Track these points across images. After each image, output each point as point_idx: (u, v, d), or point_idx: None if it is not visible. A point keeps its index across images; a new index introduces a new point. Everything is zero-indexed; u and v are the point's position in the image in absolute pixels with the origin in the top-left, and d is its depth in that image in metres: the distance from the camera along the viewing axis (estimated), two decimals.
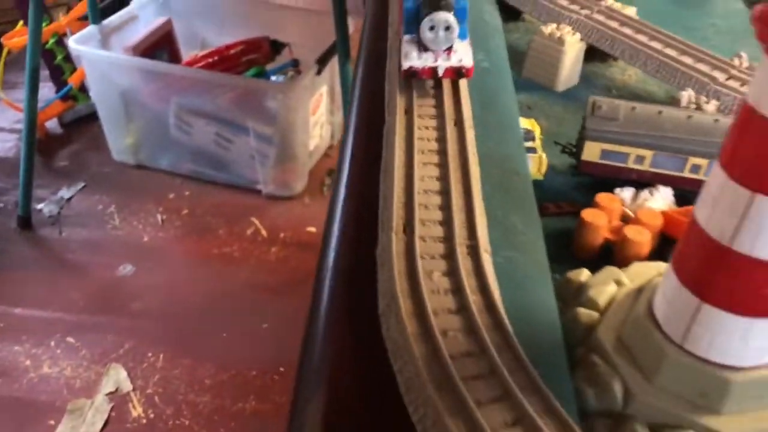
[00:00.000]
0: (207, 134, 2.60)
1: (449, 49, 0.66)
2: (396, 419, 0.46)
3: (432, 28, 0.64)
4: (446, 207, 0.63)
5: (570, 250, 0.72)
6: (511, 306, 0.57)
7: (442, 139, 0.72)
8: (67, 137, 2.98)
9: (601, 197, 0.74)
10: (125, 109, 2.62)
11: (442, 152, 0.70)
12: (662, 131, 0.74)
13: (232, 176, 2.70)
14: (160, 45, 2.77)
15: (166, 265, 2.48)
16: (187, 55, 2.88)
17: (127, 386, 2.12)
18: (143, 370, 2.17)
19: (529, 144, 0.81)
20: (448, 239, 0.59)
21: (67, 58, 2.82)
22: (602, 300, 0.60)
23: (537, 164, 0.81)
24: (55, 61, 2.82)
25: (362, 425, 0.48)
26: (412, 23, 0.66)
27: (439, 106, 0.77)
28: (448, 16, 0.64)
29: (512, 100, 0.85)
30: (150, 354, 2.22)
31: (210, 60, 2.69)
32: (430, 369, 0.48)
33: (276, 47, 2.71)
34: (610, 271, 0.63)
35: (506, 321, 0.52)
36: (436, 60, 0.66)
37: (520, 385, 0.46)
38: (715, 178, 0.48)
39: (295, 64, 2.75)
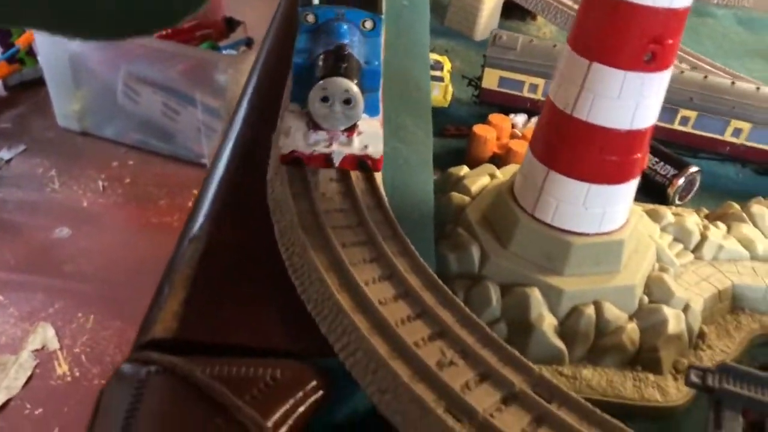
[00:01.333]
0: (154, 103, 2.60)
1: (351, 129, 0.49)
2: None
3: (325, 99, 0.47)
4: None
5: (463, 162, 0.77)
6: (391, 185, 0.62)
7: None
8: (11, 100, 2.94)
9: (494, 116, 0.80)
10: (73, 75, 2.60)
11: None
12: (555, 62, 0.80)
13: (178, 148, 2.70)
14: None
15: (104, 231, 2.46)
16: None
17: (54, 344, 2.10)
18: (72, 329, 2.15)
19: (437, 73, 0.87)
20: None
21: None
22: (475, 188, 0.65)
23: (443, 92, 0.87)
24: None
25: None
26: (302, 87, 0.49)
27: None
28: (349, 85, 0.46)
29: (425, 32, 0.91)
30: (80, 315, 2.20)
31: (164, 32, 2.70)
32: (303, 218, 0.53)
33: (231, 25, 2.74)
34: (487, 167, 0.69)
35: (381, 189, 0.57)
36: (330, 143, 0.49)
37: (388, 245, 0.51)
38: (563, 57, 0.54)
39: (248, 42, 2.77)
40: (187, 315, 0.48)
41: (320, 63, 0.48)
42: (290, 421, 0.43)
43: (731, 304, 0.63)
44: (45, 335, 2.14)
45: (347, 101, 0.47)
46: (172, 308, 0.48)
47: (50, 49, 2.60)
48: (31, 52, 2.88)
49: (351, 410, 0.51)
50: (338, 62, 0.48)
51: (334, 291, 0.47)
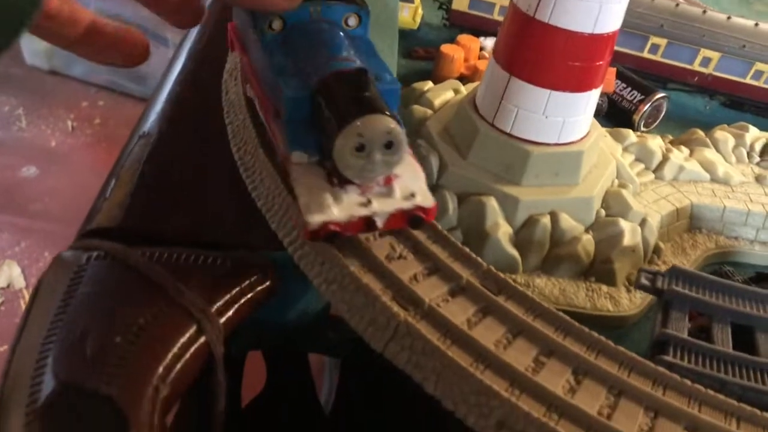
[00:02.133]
0: None
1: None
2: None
3: (360, 148, 0.36)
4: None
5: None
6: None
7: None
8: None
9: (462, 37, 0.78)
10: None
11: None
12: None
13: (149, 90, 2.64)
14: None
15: (72, 171, 2.42)
16: None
17: (20, 283, 2.07)
18: (38, 268, 2.12)
19: None
20: None
21: None
22: (438, 101, 0.64)
23: (412, 13, 0.85)
24: None
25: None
26: (302, 129, 0.39)
27: None
28: (391, 125, 0.35)
29: None
30: (47, 254, 2.17)
31: None
32: (256, 118, 0.51)
33: None
34: (452, 82, 0.68)
35: None
36: (367, 200, 0.38)
37: None
38: None
39: None
40: (132, 205, 0.47)
41: (330, 96, 0.37)
42: (234, 308, 0.42)
43: (689, 223, 0.63)
44: (11, 273, 2.12)
45: (388, 144, 0.36)
46: (117, 198, 0.47)
47: None
48: None
49: (301, 312, 0.50)
50: (360, 92, 0.36)
51: (285, 187, 0.46)
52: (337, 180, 0.38)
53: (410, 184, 0.39)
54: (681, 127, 0.78)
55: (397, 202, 0.39)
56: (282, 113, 0.39)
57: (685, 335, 0.44)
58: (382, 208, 0.38)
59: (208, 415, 0.40)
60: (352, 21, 0.43)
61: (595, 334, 0.41)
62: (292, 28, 0.41)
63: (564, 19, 0.50)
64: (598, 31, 0.51)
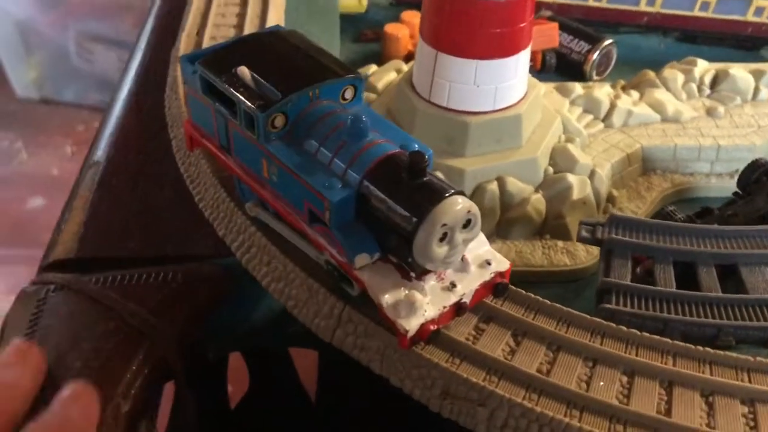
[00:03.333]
0: (110, 60, 2.55)
1: None
2: None
3: (444, 237, 0.34)
4: (242, 15, 0.67)
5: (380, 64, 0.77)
6: None
7: None
8: None
9: (407, 14, 0.79)
10: (24, 42, 2.55)
11: None
12: None
13: None
14: None
15: None
16: None
17: None
18: None
19: None
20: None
21: None
22: (381, 84, 0.65)
23: None
24: None
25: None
26: (357, 230, 0.37)
27: None
28: (466, 203, 0.34)
29: None
30: None
31: None
32: None
33: None
34: (394, 63, 0.69)
35: None
36: (447, 282, 0.38)
37: None
38: None
39: None
40: (85, 234, 0.49)
41: (385, 188, 0.35)
42: (189, 319, 0.44)
43: (642, 166, 0.63)
44: None
45: (467, 224, 0.35)
46: (71, 229, 0.49)
47: None
48: None
49: (266, 310, 0.52)
50: (420, 176, 0.35)
51: (228, 194, 0.48)
52: (415, 273, 0.37)
53: (479, 250, 0.39)
54: (637, 69, 0.78)
55: (477, 276, 0.38)
56: (327, 219, 0.37)
57: (627, 281, 0.46)
58: (467, 287, 0.38)
59: (180, 423, 0.43)
60: (349, 94, 0.41)
61: (532, 296, 0.42)
62: (295, 119, 0.39)
63: None
64: None
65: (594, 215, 0.58)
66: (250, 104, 0.39)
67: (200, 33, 0.64)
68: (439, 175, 0.38)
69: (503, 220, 0.57)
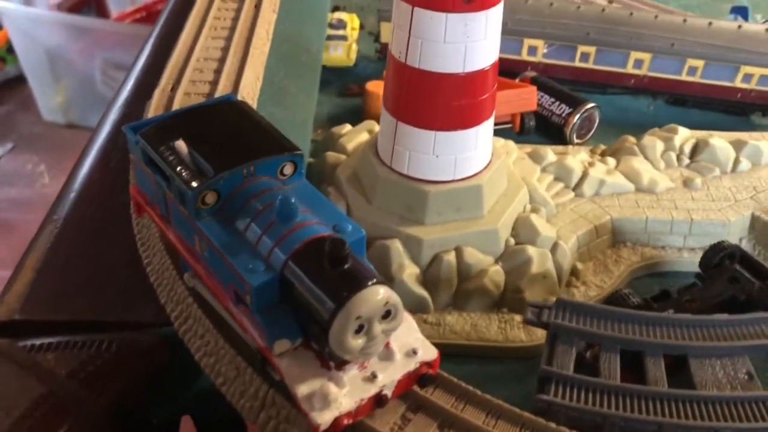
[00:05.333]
0: None
1: None
2: None
3: (361, 328, 0.33)
4: (219, 71, 0.68)
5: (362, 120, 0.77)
6: None
7: (236, 19, 0.77)
8: None
9: None
10: (52, 69, 2.61)
11: (233, 29, 0.75)
12: None
13: None
14: (87, 2, 2.77)
15: None
16: (116, 12, 2.87)
17: None
18: None
19: (340, 32, 0.86)
20: (211, 94, 0.64)
21: None
22: (351, 145, 0.65)
23: (346, 51, 0.86)
24: None
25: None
26: (280, 315, 0.36)
27: None
28: (386, 294, 0.33)
29: None
30: None
31: (138, 16, 2.69)
32: None
33: None
34: (367, 123, 0.69)
35: None
36: (369, 372, 0.36)
37: None
38: (393, 4, 0.53)
39: None
40: (30, 296, 0.49)
41: (307, 273, 0.35)
42: (121, 391, 0.44)
43: (611, 238, 0.62)
44: None
45: (386, 314, 0.34)
46: (17, 290, 0.49)
47: (26, 45, 2.60)
48: (11, 50, 2.89)
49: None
50: (341, 263, 0.34)
51: (171, 262, 0.48)
52: (334, 363, 0.36)
53: (407, 338, 0.37)
54: (623, 132, 0.76)
55: (401, 366, 0.37)
56: (248, 301, 0.36)
57: (569, 370, 0.44)
58: (389, 378, 0.36)
59: None
60: (288, 170, 0.41)
61: (463, 384, 0.41)
62: (228, 196, 0.39)
63: (432, 63, 0.51)
64: (470, 69, 0.51)
65: (555, 290, 0.57)
66: (181, 181, 0.39)
67: (175, 88, 0.65)
68: (365, 262, 0.37)
69: (460, 291, 0.56)
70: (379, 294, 0.33)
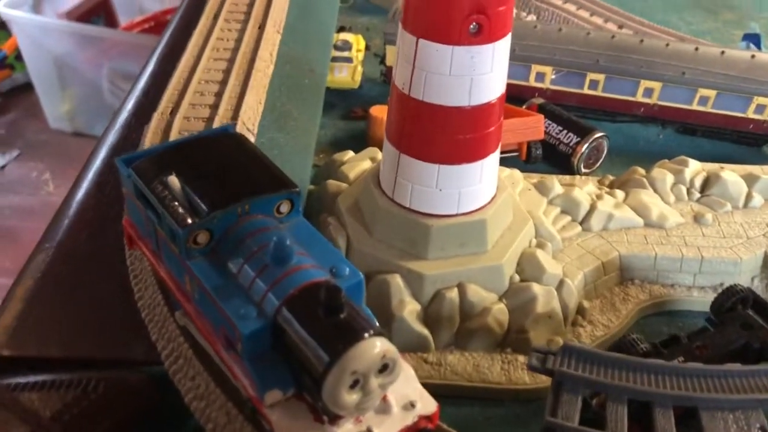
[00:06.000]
0: None
1: None
2: None
3: (356, 383, 0.32)
4: (220, 94, 0.66)
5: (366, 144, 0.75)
6: None
7: (239, 40, 0.76)
8: (4, 106, 2.96)
9: None
10: (59, 77, 2.61)
11: (236, 50, 0.73)
12: None
13: None
14: (96, 11, 2.77)
15: None
16: (124, 22, 2.88)
17: None
18: None
19: (345, 54, 0.85)
20: (211, 119, 0.63)
21: (2, 25, 2.81)
22: (353, 174, 0.64)
23: (351, 73, 0.85)
24: None
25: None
26: (271, 364, 0.35)
27: (249, 12, 0.81)
28: (384, 347, 0.32)
29: (332, 12, 0.89)
30: None
31: (146, 26, 2.69)
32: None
33: None
34: (370, 150, 0.67)
35: None
36: (366, 429, 0.35)
37: None
38: (398, 34, 0.51)
39: None
40: (17, 330, 0.47)
41: (301, 322, 0.33)
42: None
43: (619, 275, 0.60)
44: None
45: (383, 368, 0.32)
46: (4, 323, 0.48)
47: (34, 53, 2.61)
48: (20, 57, 2.89)
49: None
50: (336, 313, 0.32)
51: (163, 297, 0.46)
52: (328, 417, 0.34)
53: (405, 389, 0.35)
54: (631, 162, 0.75)
55: (399, 420, 0.35)
56: (239, 349, 0.34)
57: (574, 422, 0.43)
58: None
59: None
60: (284, 208, 0.39)
61: None
62: (221, 236, 0.37)
63: (437, 96, 0.49)
64: (476, 102, 0.50)
65: (561, 330, 0.55)
66: (172, 219, 0.37)
67: (174, 112, 0.64)
68: (362, 310, 0.35)
69: (462, 330, 0.54)
70: (376, 347, 0.32)
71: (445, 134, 0.51)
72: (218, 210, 0.38)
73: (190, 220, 0.37)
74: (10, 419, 0.41)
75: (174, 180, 0.39)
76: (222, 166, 0.41)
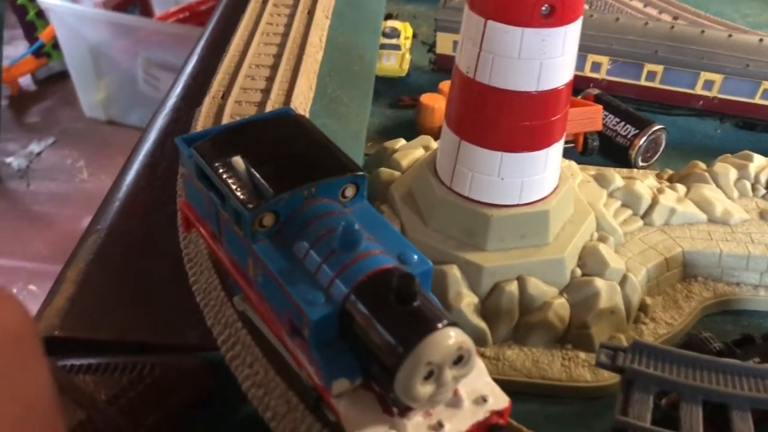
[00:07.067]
0: None
1: None
2: None
3: (429, 375, 0.30)
4: (272, 78, 0.65)
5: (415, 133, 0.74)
6: None
7: (289, 25, 0.74)
8: (41, 94, 3.00)
9: (445, 84, 0.76)
10: (95, 65, 2.63)
11: (285, 35, 0.72)
12: None
13: None
14: (132, 1, 2.79)
15: None
16: (159, 12, 2.89)
17: None
18: None
19: (392, 41, 0.83)
20: (263, 103, 0.62)
21: (40, 14, 2.84)
22: (406, 162, 0.62)
23: (399, 61, 0.83)
24: (28, 17, 2.83)
25: None
26: (339, 352, 0.33)
27: None
28: (459, 338, 0.30)
29: (379, 1, 0.87)
30: None
31: (181, 15, 2.70)
32: None
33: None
34: (423, 138, 0.65)
35: None
36: (436, 422, 0.33)
37: None
38: (464, 16, 0.50)
39: None
40: (70, 312, 0.47)
41: (371, 310, 0.32)
42: (158, 419, 0.41)
43: (682, 272, 0.58)
44: None
45: (458, 359, 0.31)
46: (57, 305, 0.47)
47: (71, 41, 2.63)
48: (57, 46, 2.92)
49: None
50: (409, 301, 0.31)
51: (220, 281, 0.45)
52: (398, 409, 0.33)
53: (475, 383, 0.34)
54: (688, 156, 0.72)
55: (469, 415, 0.34)
56: (306, 335, 0.33)
57: (646, 422, 0.41)
58: (456, 427, 0.33)
59: None
60: (350, 192, 0.38)
61: None
62: (287, 218, 0.36)
63: (504, 80, 0.48)
64: (544, 87, 0.48)
65: (623, 326, 0.53)
66: (237, 201, 0.36)
67: (225, 96, 0.62)
68: (433, 298, 0.34)
69: (521, 324, 0.52)
70: (452, 338, 0.30)
71: (509, 120, 0.49)
72: (285, 192, 0.36)
73: (256, 202, 0.36)
74: (66, 402, 0.40)
75: (239, 161, 0.38)
76: (285, 148, 0.40)
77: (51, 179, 2.69)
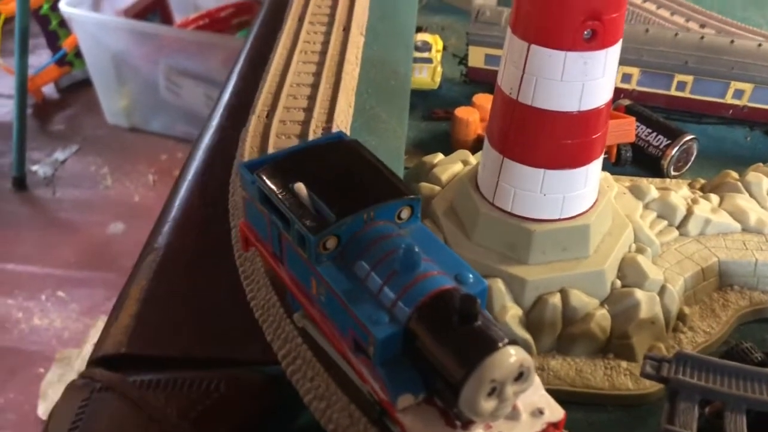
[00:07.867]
0: (196, 95, 2.64)
1: None
2: None
3: (492, 391, 0.32)
4: (313, 97, 0.68)
5: (448, 146, 0.76)
6: None
7: (326, 42, 0.77)
8: (64, 102, 3.04)
9: (478, 97, 0.78)
10: (117, 73, 2.67)
11: (323, 53, 0.75)
12: None
13: None
14: (152, 8, 2.82)
15: None
16: (179, 19, 2.93)
17: None
18: None
19: (425, 55, 0.85)
20: (306, 122, 0.64)
21: (62, 23, 2.88)
22: (445, 176, 0.64)
23: (431, 73, 0.85)
24: (50, 27, 2.88)
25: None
26: (403, 368, 0.36)
27: (333, 14, 0.82)
28: (520, 356, 0.32)
29: (411, 13, 0.89)
30: None
31: (201, 22, 2.74)
32: None
33: None
34: (461, 153, 0.67)
35: None
36: None
37: None
38: (507, 40, 0.51)
39: None
40: (136, 329, 0.49)
41: (434, 330, 0.34)
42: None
43: (718, 281, 0.60)
44: None
45: (519, 375, 0.33)
46: (123, 323, 0.49)
47: (93, 50, 2.67)
48: (79, 54, 2.97)
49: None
50: (472, 321, 0.33)
51: (279, 298, 0.47)
52: (460, 422, 0.35)
53: (532, 396, 0.36)
54: (720, 165, 0.74)
55: (527, 427, 0.36)
56: (371, 353, 0.36)
57: (692, 431, 0.42)
58: None
59: None
60: (405, 214, 0.40)
61: None
62: (348, 241, 0.38)
63: (547, 101, 0.49)
64: (585, 108, 0.50)
65: (663, 336, 0.55)
66: (302, 225, 0.38)
67: (270, 115, 0.65)
68: (488, 316, 0.36)
69: (564, 335, 0.54)
70: (513, 356, 0.32)
71: (552, 139, 0.51)
72: (347, 216, 0.38)
73: (319, 227, 0.38)
74: (141, 418, 0.42)
75: (301, 187, 0.40)
76: (341, 173, 0.42)
77: (76, 186, 2.74)
